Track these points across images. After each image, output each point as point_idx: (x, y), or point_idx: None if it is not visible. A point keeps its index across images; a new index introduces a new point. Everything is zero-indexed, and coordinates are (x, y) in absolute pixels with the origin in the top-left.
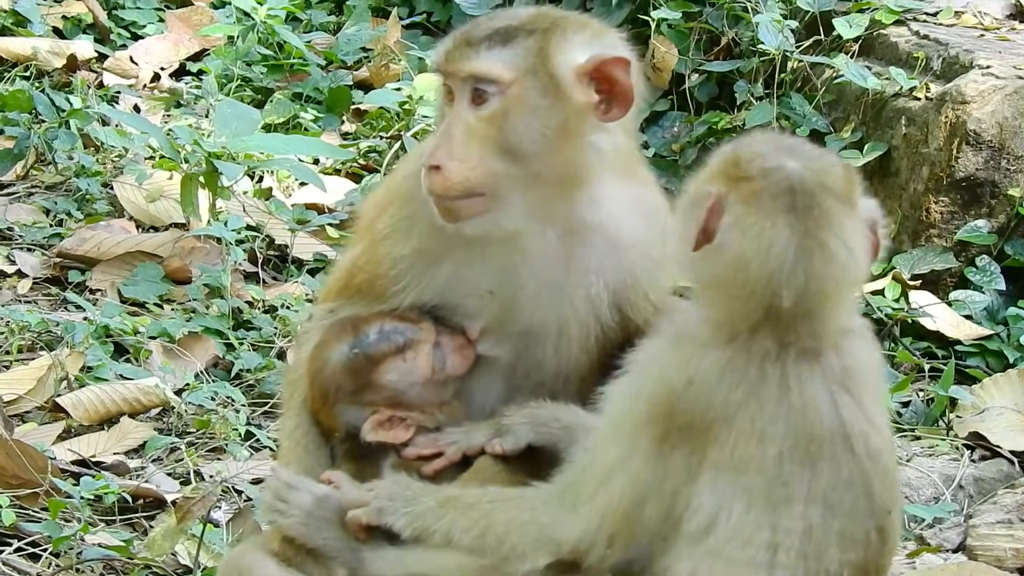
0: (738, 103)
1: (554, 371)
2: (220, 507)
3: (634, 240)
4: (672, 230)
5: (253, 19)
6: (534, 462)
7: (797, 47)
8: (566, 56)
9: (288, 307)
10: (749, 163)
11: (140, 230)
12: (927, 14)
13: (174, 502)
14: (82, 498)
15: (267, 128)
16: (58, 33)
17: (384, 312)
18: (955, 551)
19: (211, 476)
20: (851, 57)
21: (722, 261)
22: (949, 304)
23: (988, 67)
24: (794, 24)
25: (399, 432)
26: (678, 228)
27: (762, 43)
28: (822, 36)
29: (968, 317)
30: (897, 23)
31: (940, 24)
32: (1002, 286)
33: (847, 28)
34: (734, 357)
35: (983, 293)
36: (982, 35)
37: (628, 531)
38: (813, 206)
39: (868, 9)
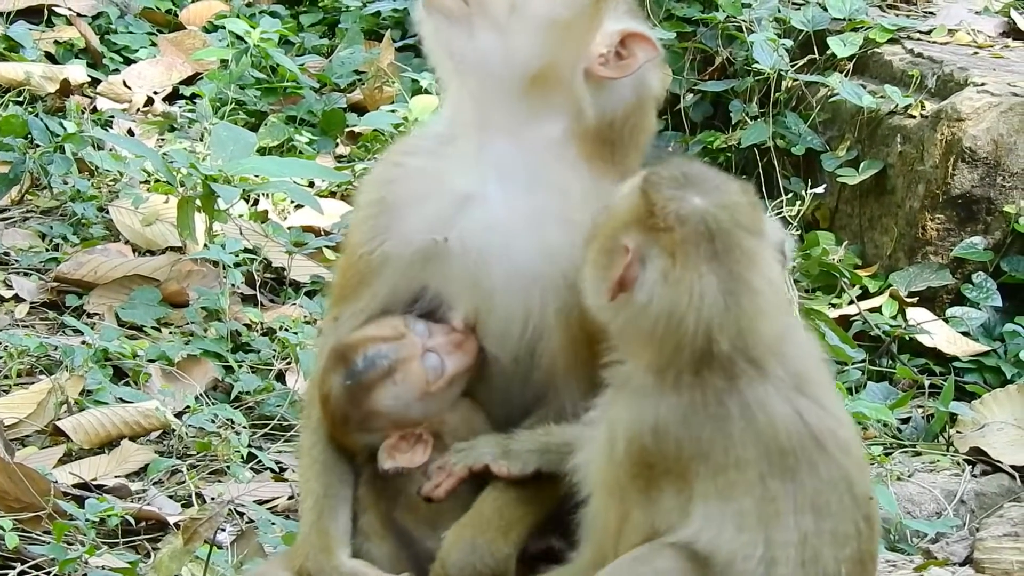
0: (733, 123)
1: (541, 356)
2: (224, 529)
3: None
4: (585, 277)
5: (246, 43)
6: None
7: (792, 66)
8: (616, 9)
9: (286, 329)
10: (663, 210)
11: (136, 254)
12: (921, 32)
13: (177, 524)
14: (87, 520)
15: (262, 151)
16: (51, 58)
17: (367, 336)
18: (962, 564)
19: (212, 498)
20: (846, 76)
21: (649, 314)
22: (946, 321)
23: (983, 84)
24: (788, 43)
25: (416, 455)
26: (591, 276)
27: (757, 62)
28: (816, 55)
29: (965, 334)
30: (891, 41)
31: (934, 42)
32: (999, 302)
33: (841, 47)
34: (691, 400)
35: (980, 310)
36: (976, 53)
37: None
38: (733, 247)
39: (862, 28)
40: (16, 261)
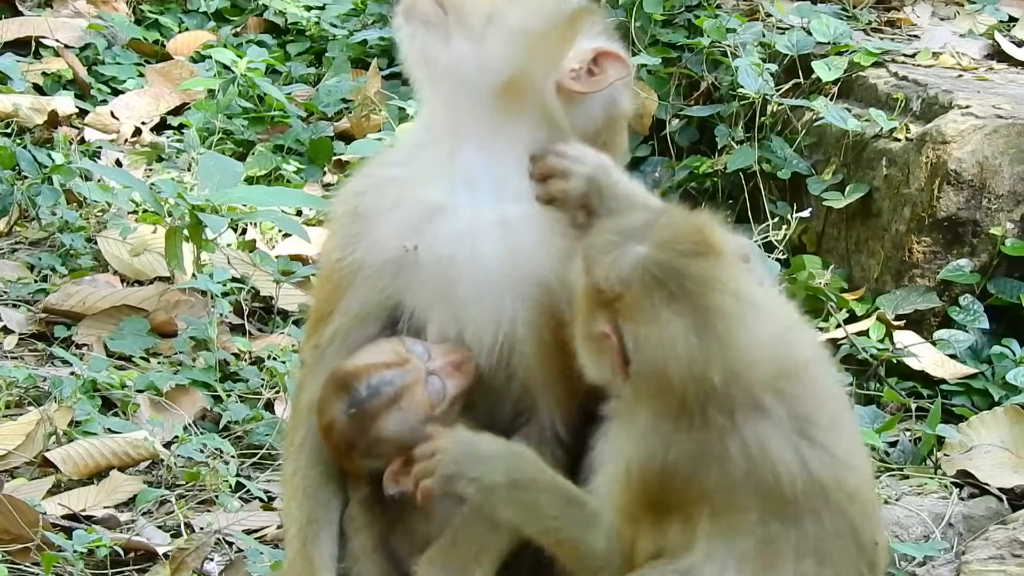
0: (719, 147)
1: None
2: (212, 559)
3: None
4: (582, 358)
5: (233, 72)
6: None
7: (777, 90)
8: (591, 29)
9: (275, 358)
10: (606, 282)
11: (125, 284)
12: (905, 56)
13: (166, 554)
14: (75, 551)
15: (249, 180)
16: (38, 89)
17: (369, 363)
18: None
19: (202, 528)
20: (831, 99)
21: (646, 378)
22: (933, 343)
23: (967, 107)
24: (773, 68)
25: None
26: (587, 361)
27: (742, 87)
28: (801, 79)
29: (953, 356)
30: (876, 65)
31: (919, 65)
32: (986, 325)
33: (826, 71)
34: (697, 441)
35: (967, 332)
36: (960, 75)
37: None
38: (684, 281)
39: (847, 52)
40: (4, 292)
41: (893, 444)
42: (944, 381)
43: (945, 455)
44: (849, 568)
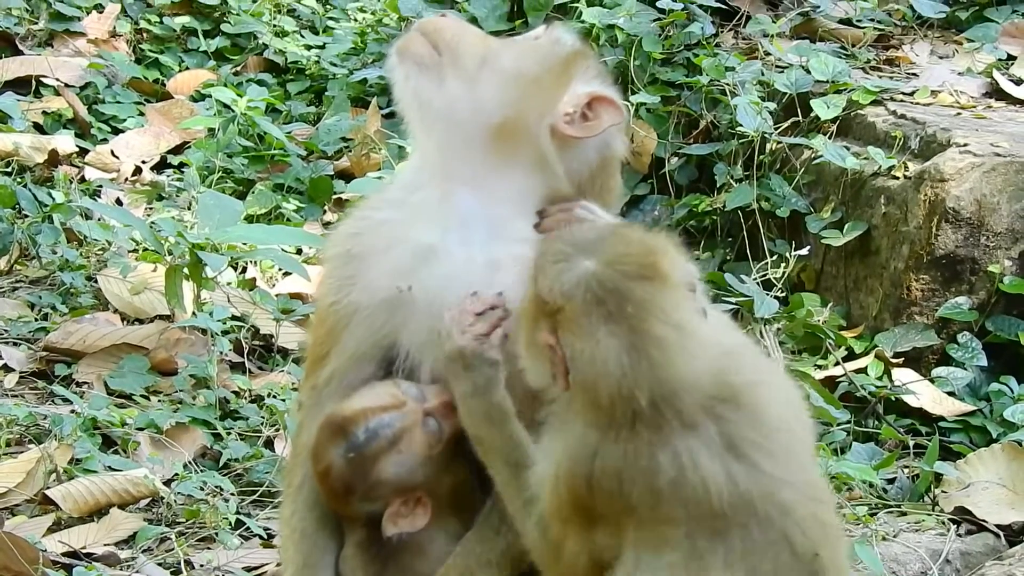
0: (718, 185)
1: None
2: None
3: None
4: (525, 365)
5: (233, 111)
6: None
7: (775, 129)
8: (586, 73)
9: (275, 396)
10: (550, 292)
11: (125, 322)
12: (904, 94)
13: None
14: None
15: (249, 219)
16: (39, 128)
17: (366, 407)
18: None
19: (202, 565)
20: (829, 137)
21: (580, 389)
22: (931, 381)
23: (965, 145)
24: (772, 106)
25: (416, 519)
26: (530, 367)
27: (741, 125)
28: (800, 117)
29: (951, 393)
30: (874, 103)
31: (917, 103)
32: (984, 362)
33: (825, 109)
34: (624, 453)
35: (965, 369)
36: (959, 113)
37: None
38: (624, 303)
39: (845, 90)
40: (5, 331)
41: (891, 481)
42: (942, 418)
43: (943, 492)
44: None
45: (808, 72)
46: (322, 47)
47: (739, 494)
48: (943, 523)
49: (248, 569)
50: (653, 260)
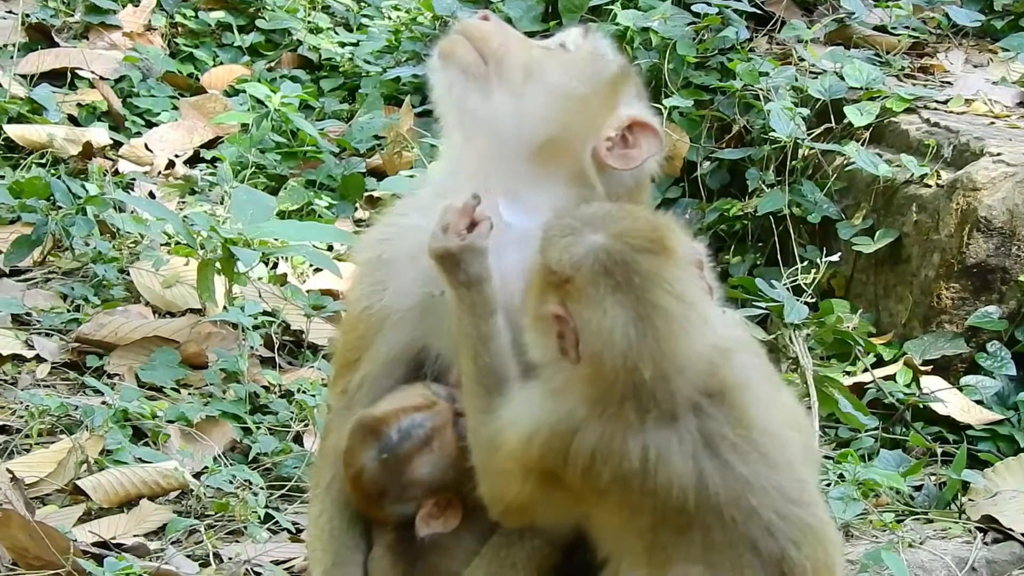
0: (750, 190)
1: None
2: None
3: None
4: (530, 341)
5: (267, 107)
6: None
7: (808, 134)
8: (632, 96)
9: (304, 391)
10: (558, 263)
11: (156, 315)
12: (937, 102)
13: None
14: None
15: (281, 215)
16: (73, 121)
17: (398, 408)
18: None
19: (230, 558)
20: (862, 144)
21: (586, 359)
22: (960, 389)
23: (999, 154)
24: (805, 112)
25: (448, 520)
26: (536, 343)
27: (773, 131)
28: (833, 124)
29: (979, 402)
30: (908, 111)
31: (951, 112)
32: (1013, 371)
33: (858, 116)
34: (602, 434)
35: (994, 378)
36: (992, 123)
37: (520, 516)
38: (632, 274)
39: (879, 97)
40: (38, 321)
41: (918, 488)
42: (970, 427)
43: (970, 500)
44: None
45: (842, 78)
46: (356, 44)
47: (707, 496)
48: (969, 531)
49: (276, 563)
50: (660, 235)
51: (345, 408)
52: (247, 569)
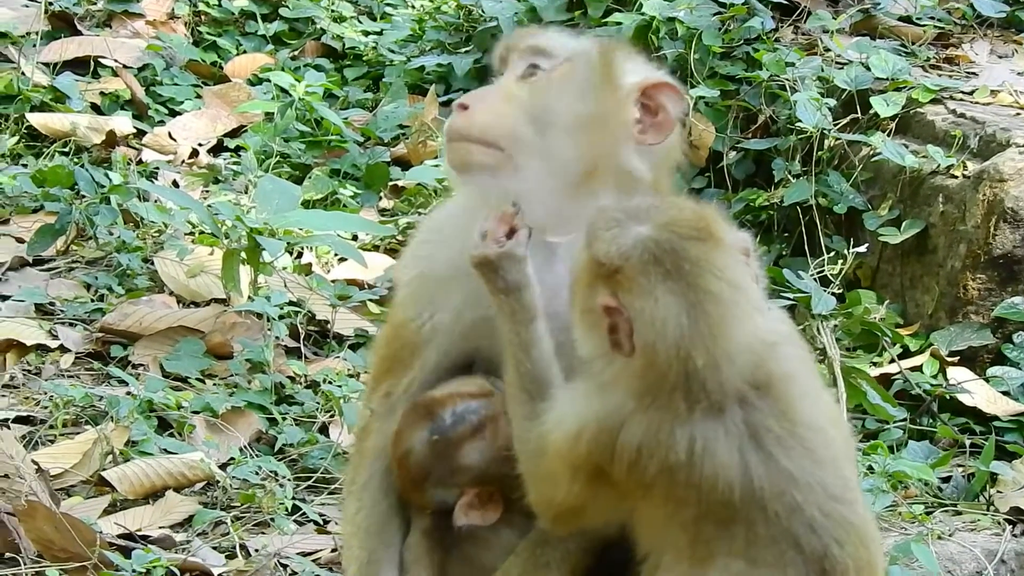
0: (775, 180)
1: None
2: None
3: None
4: (580, 338)
5: (291, 96)
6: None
7: (834, 125)
8: (627, 68)
9: (330, 382)
10: (606, 255)
11: (181, 305)
12: (963, 93)
13: (221, 575)
14: (134, 571)
15: (306, 204)
16: (96, 109)
17: (454, 392)
18: None
19: (256, 550)
20: (888, 135)
21: (639, 350)
22: (987, 380)
23: None
24: (831, 102)
25: (488, 514)
26: (587, 340)
27: (800, 121)
28: (859, 114)
29: (1006, 393)
30: (934, 102)
31: (976, 103)
32: None
33: (884, 106)
34: (649, 426)
35: (1020, 369)
36: (1018, 114)
37: (570, 521)
38: (682, 261)
39: (905, 88)
40: (61, 311)
41: (947, 480)
42: (997, 418)
43: (998, 492)
44: (789, 573)
45: (868, 69)
46: (380, 33)
47: (751, 490)
48: (998, 523)
49: (303, 555)
50: (706, 223)
51: (388, 412)
52: (273, 562)
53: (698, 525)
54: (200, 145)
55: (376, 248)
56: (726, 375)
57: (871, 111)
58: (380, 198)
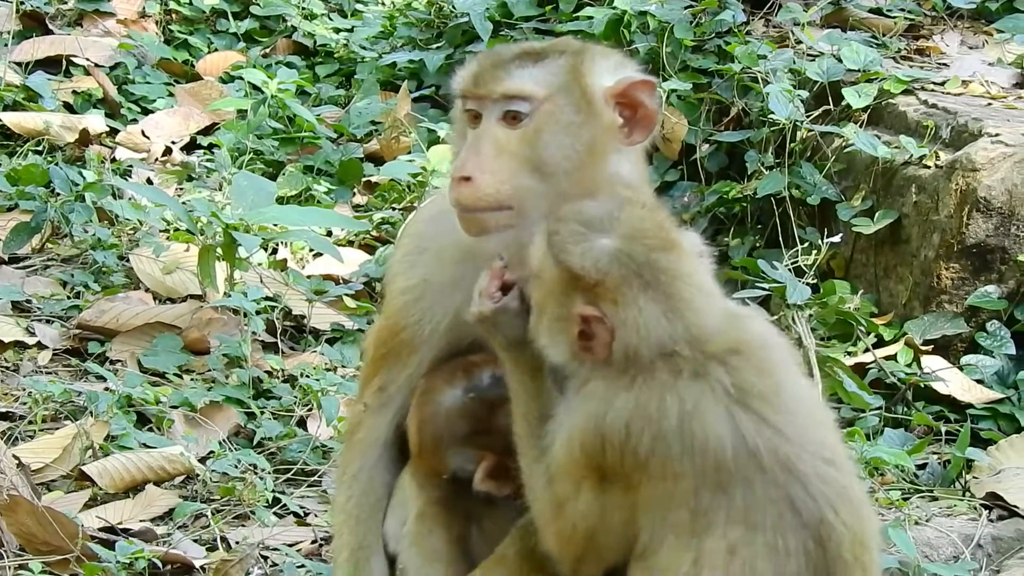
0: (748, 172)
1: None
2: (251, 572)
3: None
4: (545, 342)
5: (263, 93)
6: None
7: (807, 117)
8: (597, 76)
9: (307, 376)
10: (584, 268)
11: (157, 302)
12: (935, 84)
13: (203, 567)
14: (117, 562)
15: (280, 200)
16: (69, 108)
17: (490, 357)
18: None
19: (237, 542)
20: (860, 126)
21: (620, 354)
22: (960, 369)
23: (997, 135)
24: (804, 94)
25: (504, 486)
26: (554, 343)
27: (772, 113)
28: (831, 106)
29: (979, 381)
30: (905, 92)
31: (948, 93)
32: (1012, 350)
33: (856, 98)
34: (637, 398)
35: (994, 357)
36: (990, 104)
37: (594, 553)
38: (657, 273)
39: (877, 79)
40: (38, 308)
41: (922, 467)
42: (971, 405)
43: (974, 478)
44: (787, 536)
45: (840, 61)
46: (351, 30)
47: (745, 447)
48: (975, 508)
49: (287, 546)
50: (667, 232)
51: (383, 406)
52: (257, 553)
53: (697, 496)
54: (173, 143)
55: (351, 244)
56: (702, 348)
57: (843, 103)
58: (354, 194)
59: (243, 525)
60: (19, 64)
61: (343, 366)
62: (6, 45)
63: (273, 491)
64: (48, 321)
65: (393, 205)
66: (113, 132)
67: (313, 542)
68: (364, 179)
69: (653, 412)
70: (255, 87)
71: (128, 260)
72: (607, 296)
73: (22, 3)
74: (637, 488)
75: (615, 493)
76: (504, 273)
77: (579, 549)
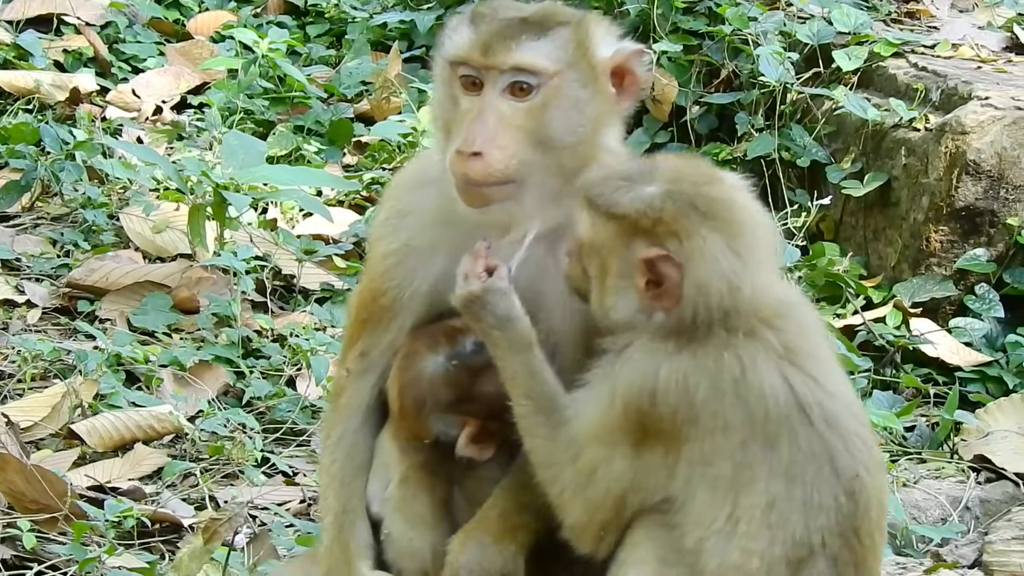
0: (738, 135)
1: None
2: (240, 531)
3: None
4: (612, 307)
5: (254, 53)
6: None
7: (797, 79)
8: (598, 49)
9: (297, 336)
10: (638, 212)
11: (147, 261)
12: (925, 47)
13: (191, 526)
14: (106, 520)
15: (270, 160)
16: (59, 67)
17: None
18: (971, 567)
19: (226, 501)
20: (851, 89)
21: (685, 293)
22: (949, 331)
23: (987, 98)
24: (794, 56)
25: (485, 451)
26: (622, 302)
27: (762, 75)
28: (822, 68)
29: (968, 344)
30: (895, 55)
31: (938, 56)
32: (1001, 313)
33: (846, 60)
34: (692, 357)
35: (982, 320)
36: (979, 67)
37: (618, 520)
38: (711, 202)
39: (867, 42)
40: (28, 267)
41: (910, 429)
42: (959, 368)
43: (962, 440)
44: (823, 491)
45: (830, 23)
46: None
47: (795, 400)
48: (962, 471)
49: (276, 505)
50: (709, 168)
51: (365, 371)
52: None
53: (744, 448)
54: (164, 102)
55: (341, 204)
56: (756, 305)
57: (833, 65)
58: (344, 154)
59: (232, 484)
60: (10, 22)
61: (332, 326)
62: None
63: (262, 450)
64: (38, 279)
65: (383, 165)
66: (104, 91)
67: (302, 501)
68: (354, 139)
69: (711, 366)
70: (246, 47)
71: (118, 219)
72: (668, 233)
73: None
74: (682, 445)
75: (655, 452)
76: (487, 254)
77: (607, 516)
